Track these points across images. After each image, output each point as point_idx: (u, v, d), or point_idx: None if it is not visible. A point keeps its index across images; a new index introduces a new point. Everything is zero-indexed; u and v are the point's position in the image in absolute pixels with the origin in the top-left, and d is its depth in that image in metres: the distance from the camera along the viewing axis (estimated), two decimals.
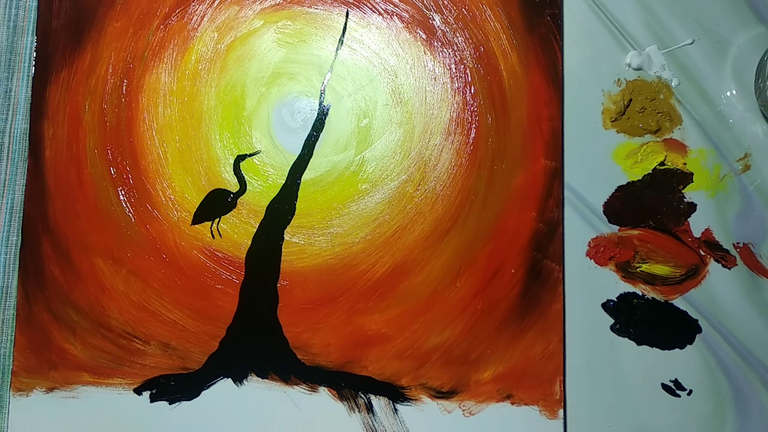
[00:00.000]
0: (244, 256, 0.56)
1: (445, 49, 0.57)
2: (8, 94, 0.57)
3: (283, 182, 0.56)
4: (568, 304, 0.56)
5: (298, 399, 0.55)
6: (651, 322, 0.56)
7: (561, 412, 0.55)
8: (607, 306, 0.56)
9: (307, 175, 0.56)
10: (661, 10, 0.58)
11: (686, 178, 0.57)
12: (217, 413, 0.55)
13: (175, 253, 0.56)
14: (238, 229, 0.56)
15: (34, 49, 0.57)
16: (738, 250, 0.57)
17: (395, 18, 0.58)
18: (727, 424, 0.55)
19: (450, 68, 0.57)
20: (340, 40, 0.58)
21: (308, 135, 0.57)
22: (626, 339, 0.56)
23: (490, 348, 0.55)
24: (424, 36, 0.58)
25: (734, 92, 0.58)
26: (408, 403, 0.55)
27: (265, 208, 0.56)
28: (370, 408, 0.55)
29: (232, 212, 0.56)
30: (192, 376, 0.55)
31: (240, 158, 0.56)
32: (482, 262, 0.56)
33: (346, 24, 0.58)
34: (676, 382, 0.56)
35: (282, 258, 0.56)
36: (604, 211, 0.57)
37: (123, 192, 0.56)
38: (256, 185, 0.56)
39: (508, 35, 0.58)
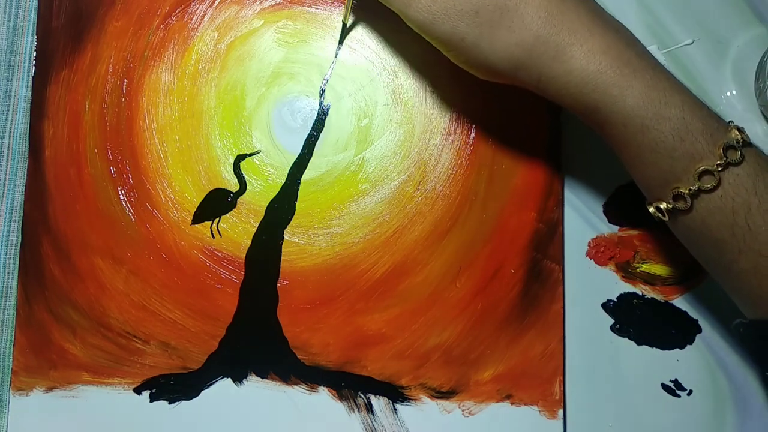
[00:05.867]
0: (244, 255, 0.56)
1: None
2: (8, 94, 0.57)
3: (283, 182, 0.56)
4: (567, 305, 0.56)
5: (297, 399, 0.55)
6: (651, 322, 0.56)
7: (560, 412, 0.55)
8: (607, 306, 0.56)
9: (307, 175, 0.56)
10: (661, 10, 0.58)
11: None
12: (217, 413, 0.55)
13: (175, 252, 0.56)
14: (238, 229, 0.56)
15: (34, 49, 0.57)
16: None
17: None
18: (727, 424, 0.55)
19: None
20: (340, 40, 0.58)
21: (308, 135, 0.57)
22: (626, 339, 0.56)
23: (490, 348, 0.55)
24: None
25: (734, 92, 0.58)
26: (408, 403, 0.55)
27: (265, 208, 0.56)
28: (369, 408, 0.55)
29: (232, 212, 0.56)
30: (192, 376, 0.55)
31: (240, 158, 0.56)
32: (482, 262, 0.56)
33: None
34: (676, 382, 0.56)
35: (282, 258, 0.56)
36: (604, 211, 0.57)
37: (123, 192, 0.56)
38: (256, 185, 0.56)
39: None
